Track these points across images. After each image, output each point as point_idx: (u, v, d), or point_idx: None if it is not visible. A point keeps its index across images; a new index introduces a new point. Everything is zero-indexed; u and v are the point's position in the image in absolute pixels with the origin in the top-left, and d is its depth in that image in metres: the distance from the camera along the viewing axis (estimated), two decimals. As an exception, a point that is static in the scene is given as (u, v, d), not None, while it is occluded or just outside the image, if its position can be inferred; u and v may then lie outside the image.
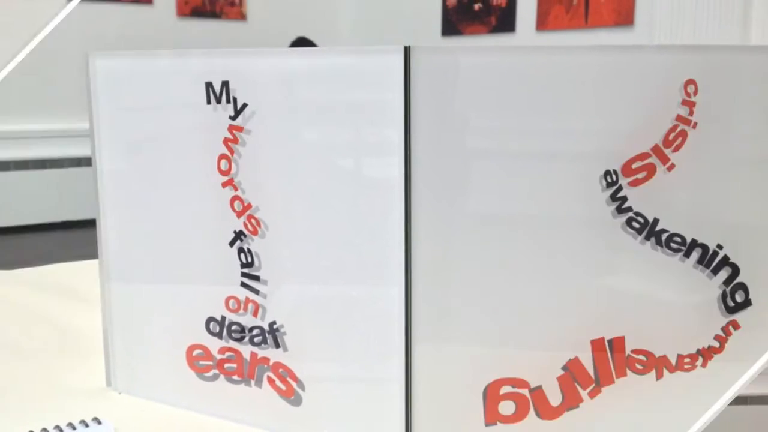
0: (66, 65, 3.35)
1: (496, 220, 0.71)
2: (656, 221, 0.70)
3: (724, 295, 0.71)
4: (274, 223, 0.79)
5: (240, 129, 0.78)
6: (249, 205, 0.79)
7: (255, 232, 0.80)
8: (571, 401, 0.73)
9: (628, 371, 0.72)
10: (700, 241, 0.70)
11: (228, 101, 0.78)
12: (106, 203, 0.88)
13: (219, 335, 0.84)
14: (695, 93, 0.67)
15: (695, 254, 0.70)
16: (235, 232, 0.80)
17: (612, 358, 0.72)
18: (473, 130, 0.71)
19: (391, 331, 0.74)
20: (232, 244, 0.81)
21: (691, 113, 0.68)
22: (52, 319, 1.08)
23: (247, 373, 0.83)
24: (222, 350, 0.84)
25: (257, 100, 0.77)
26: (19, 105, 3.84)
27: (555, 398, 0.73)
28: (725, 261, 0.71)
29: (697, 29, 3.48)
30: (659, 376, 0.72)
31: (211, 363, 0.85)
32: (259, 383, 0.82)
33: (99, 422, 0.80)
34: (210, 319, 0.84)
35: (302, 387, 0.80)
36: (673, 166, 0.69)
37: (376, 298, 0.75)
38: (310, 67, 0.75)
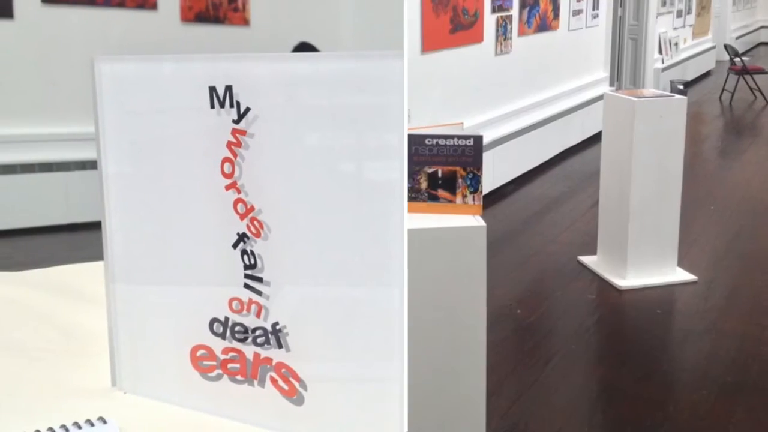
0: (71, 69, 3.36)
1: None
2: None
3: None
4: (276, 225, 0.80)
5: (243, 132, 0.79)
6: (252, 208, 0.80)
7: (258, 235, 0.80)
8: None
9: None
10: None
11: (231, 105, 0.79)
12: (111, 205, 0.89)
13: (222, 336, 0.85)
14: None
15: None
16: (238, 234, 0.81)
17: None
18: (472, 133, 0.71)
19: (392, 332, 0.75)
20: (235, 246, 0.82)
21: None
22: (58, 319, 1.09)
23: (251, 373, 0.84)
24: (225, 350, 0.85)
25: (260, 104, 0.78)
26: (25, 108, 3.86)
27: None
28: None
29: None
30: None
31: (214, 363, 0.86)
32: (262, 383, 0.83)
33: (104, 421, 0.81)
34: (214, 320, 0.85)
35: (304, 387, 0.81)
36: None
37: (377, 298, 0.76)
38: (312, 71, 0.76)
